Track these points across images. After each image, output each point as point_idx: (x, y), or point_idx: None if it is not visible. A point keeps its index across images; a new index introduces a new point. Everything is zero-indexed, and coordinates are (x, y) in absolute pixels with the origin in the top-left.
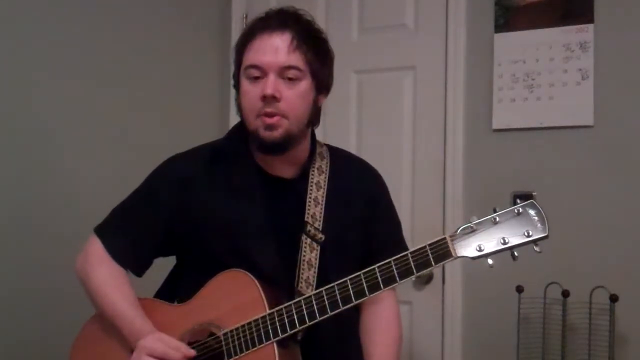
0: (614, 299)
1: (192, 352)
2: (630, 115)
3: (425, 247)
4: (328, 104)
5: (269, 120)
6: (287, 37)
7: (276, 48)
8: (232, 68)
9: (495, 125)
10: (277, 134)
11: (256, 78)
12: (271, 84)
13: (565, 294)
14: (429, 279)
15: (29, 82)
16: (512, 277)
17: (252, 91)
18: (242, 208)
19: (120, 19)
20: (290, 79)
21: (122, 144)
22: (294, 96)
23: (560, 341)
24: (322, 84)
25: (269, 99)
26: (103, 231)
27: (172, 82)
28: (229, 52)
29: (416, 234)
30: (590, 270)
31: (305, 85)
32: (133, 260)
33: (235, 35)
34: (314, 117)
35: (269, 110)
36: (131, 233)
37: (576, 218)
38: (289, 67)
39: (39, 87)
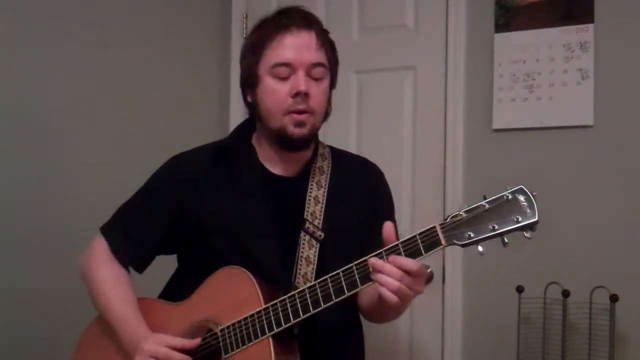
0: (614, 299)
1: (195, 342)
2: (630, 115)
3: (415, 236)
4: None
5: (299, 117)
6: (313, 35)
7: (306, 46)
8: (233, 66)
9: (495, 125)
10: (305, 130)
11: (284, 76)
12: (303, 80)
13: (565, 294)
14: (429, 278)
15: (29, 82)
16: (512, 277)
17: (280, 89)
18: (245, 206)
19: (120, 19)
20: (315, 77)
21: (122, 144)
22: (320, 93)
23: (560, 341)
24: (334, 84)
25: (302, 96)
26: (107, 231)
27: (172, 82)
28: (229, 52)
29: None
30: (590, 270)
31: (327, 82)
32: (136, 260)
33: (236, 35)
34: (327, 116)
35: (300, 107)
36: (135, 233)
37: (576, 218)
38: (317, 64)
39: (38, 87)
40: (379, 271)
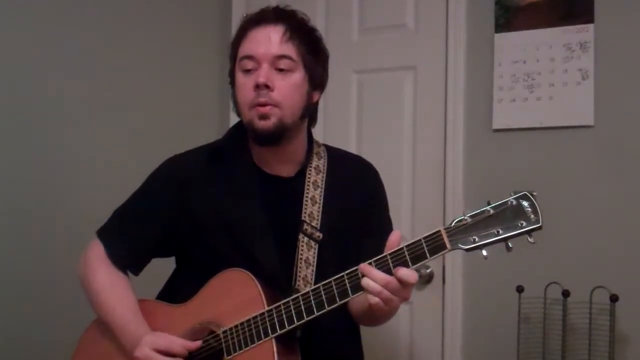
0: (614, 299)
1: (196, 344)
2: (630, 115)
3: (420, 240)
4: (328, 104)
5: (262, 110)
6: (280, 28)
7: (269, 39)
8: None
9: (495, 125)
10: (270, 123)
11: (249, 70)
12: (264, 72)
13: (565, 294)
14: (429, 278)
15: (29, 82)
16: (512, 277)
17: (245, 83)
18: (242, 207)
19: (120, 20)
20: (282, 70)
21: (122, 144)
22: (287, 86)
23: (560, 341)
24: (316, 79)
25: (262, 88)
26: (104, 235)
27: (172, 82)
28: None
29: (416, 234)
30: (590, 270)
31: (298, 76)
32: (132, 263)
33: None
34: (309, 111)
35: (262, 100)
36: (131, 236)
37: (576, 218)
38: (282, 57)
39: (38, 86)
40: (366, 276)
